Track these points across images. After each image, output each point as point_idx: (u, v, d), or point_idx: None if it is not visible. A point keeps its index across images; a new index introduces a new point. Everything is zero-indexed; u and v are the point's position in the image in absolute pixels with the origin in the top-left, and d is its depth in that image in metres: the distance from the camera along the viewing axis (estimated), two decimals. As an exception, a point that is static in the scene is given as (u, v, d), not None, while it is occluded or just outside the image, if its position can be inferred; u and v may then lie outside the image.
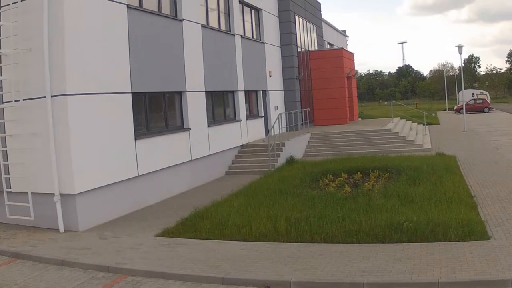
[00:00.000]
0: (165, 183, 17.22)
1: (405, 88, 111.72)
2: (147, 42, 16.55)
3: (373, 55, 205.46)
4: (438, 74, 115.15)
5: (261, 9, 27.30)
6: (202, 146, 19.93)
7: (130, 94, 15.53)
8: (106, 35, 14.58)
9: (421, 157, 21.28)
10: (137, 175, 15.75)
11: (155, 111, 17.78)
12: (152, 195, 16.43)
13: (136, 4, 16.38)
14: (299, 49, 31.38)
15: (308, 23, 34.19)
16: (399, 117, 36.43)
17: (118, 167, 14.88)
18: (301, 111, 28.65)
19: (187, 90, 18.90)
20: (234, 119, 23.49)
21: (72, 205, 13.36)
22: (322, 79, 33.38)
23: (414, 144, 26.16)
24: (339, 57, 33.73)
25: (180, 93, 18.80)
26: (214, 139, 20.82)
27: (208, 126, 20.47)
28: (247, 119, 24.43)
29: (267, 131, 27.25)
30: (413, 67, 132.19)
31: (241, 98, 23.83)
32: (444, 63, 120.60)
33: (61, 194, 13.32)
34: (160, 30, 17.46)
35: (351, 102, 36.22)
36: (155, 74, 16.98)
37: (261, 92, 26.80)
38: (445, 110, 64.73)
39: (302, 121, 28.42)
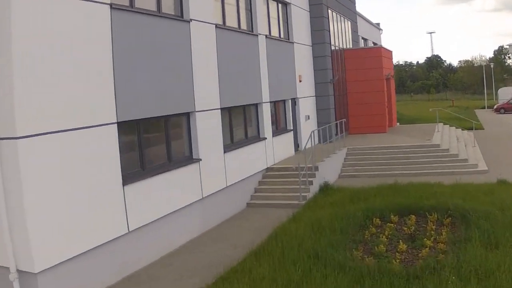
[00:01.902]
0: (167, 234, 13.25)
1: (437, 81, 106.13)
2: (139, 52, 12.51)
3: (398, 45, 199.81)
4: (467, 65, 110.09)
5: (290, 3, 23.03)
6: (216, 178, 15.88)
7: (115, 125, 11.49)
8: (80, 46, 10.52)
9: (482, 188, 17.36)
10: (126, 231, 11.77)
11: (153, 142, 13.69)
12: (148, 253, 12.49)
13: (125, 3, 12.29)
14: (332, 48, 27.04)
15: (342, 17, 29.79)
16: (442, 123, 31.69)
17: (99, 226, 10.89)
18: (337, 123, 24.21)
19: (197, 110, 14.83)
20: (258, 137, 19.35)
21: (34, 286, 9.42)
22: (358, 81, 29.07)
23: (468, 165, 21.88)
24: (377, 57, 29.33)
25: (187, 115, 14.73)
26: (232, 166, 16.75)
27: (224, 152, 16.39)
28: (273, 136, 20.28)
29: (296, 145, 23.12)
30: (441, 57, 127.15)
31: (265, 111, 19.66)
32: (478, 56, 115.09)
33: (19, 271, 9.42)
34: (159, 35, 13.38)
35: (390, 106, 31.81)
36: (152, 93, 12.93)
37: (290, 101, 22.60)
38: (483, 108, 59.43)
39: (337, 131, 24.13)
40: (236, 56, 17.48)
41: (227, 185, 16.48)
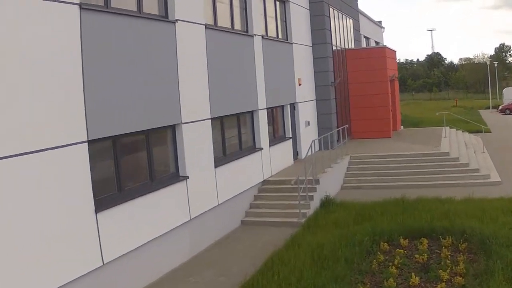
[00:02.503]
0: (149, 263, 11.68)
1: (438, 79, 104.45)
2: (115, 59, 10.90)
3: (398, 43, 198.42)
4: (469, 63, 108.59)
5: (288, 1, 21.41)
6: (206, 196, 14.29)
7: (86, 144, 9.86)
8: (41, 54, 8.89)
9: (498, 204, 15.76)
10: (101, 264, 10.16)
11: (132, 161, 12.09)
12: (127, 286, 10.86)
13: (99, 2, 10.68)
14: (333, 48, 25.41)
15: (343, 16, 28.15)
16: (448, 126, 29.97)
17: (67, 262, 9.28)
18: (339, 129, 22.58)
19: (183, 121, 13.21)
20: (253, 148, 17.75)
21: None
22: (361, 83, 27.49)
23: (479, 175, 20.27)
24: (381, 57, 27.71)
25: (172, 128, 13.11)
26: (224, 182, 15.15)
27: (215, 166, 14.77)
28: (270, 145, 18.67)
29: (296, 153, 21.52)
30: (442, 54, 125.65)
31: (262, 119, 18.05)
32: (480, 55, 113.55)
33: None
34: (139, 38, 11.77)
35: (394, 109, 30.19)
36: (130, 105, 11.33)
37: (288, 106, 20.98)
38: (488, 108, 57.71)
39: (339, 137, 22.52)
40: (229, 59, 15.88)
41: (219, 202, 14.90)
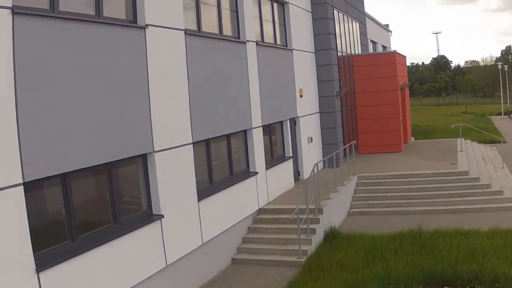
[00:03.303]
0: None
1: (446, 84, 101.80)
2: (65, 76, 8.52)
3: (403, 47, 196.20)
4: (476, 66, 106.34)
5: (287, 2, 19.00)
6: (188, 236, 11.92)
7: (22, 186, 7.50)
8: None
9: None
10: None
11: (89, 202, 9.68)
12: None
13: (43, 5, 8.30)
14: (339, 54, 23.00)
15: (349, 19, 25.72)
16: (462, 138, 27.39)
17: None
18: (345, 147, 20.10)
19: (156, 149, 10.80)
20: (247, 173, 15.35)
21: None
22: (368, 92, 25.06)
23: (503, 199, 17.79)
24: (391, 64, 25.25)
25: (142, 158, 10.69)
26: (211, 216, 12.78)
27: (199, 199, 12.37)
28: (267, 168, 16.26)
29: (297, 173, 19.15)
30: (447, 57, 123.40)
31: (257, 138, 15.65)
32: (488, 58, 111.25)
33: None
34: (98, 49, 9.38)
35: (405, 120, 27.73)
36: (84, 134, 8.91)
37: (288, 121, 18.56)
38: (499, 114, 54.98)
39: (345, 153, 20.11)
40: (215, 70, 13.50)
41: (204, 241, 12.50)
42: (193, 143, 12.13)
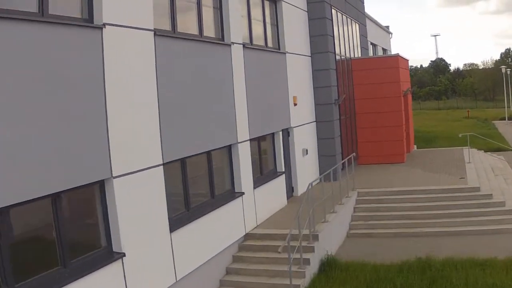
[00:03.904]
0: None
1: (445, 87, 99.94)
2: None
3: (400, 48, 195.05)
4: (475, 69, 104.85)
5: (280, 0, 17.09)
6: (157, 274, 9.97)
7: None
8: None
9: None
10: None
11: (27, 238, 7.71)
12: None
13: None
14: (337, 57, 21.10)
15: (349, 19, 23.82)
16: (468, 146, 25.42)
17: None
18: (344, 162, 18.15)
19: (116, 174, 8.85)
20: (232, 194, 13.43)
21: None
22: (369, 99, 23.16)
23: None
24: (394, 68, 23.34)
25: (99, 185, 8.74)
26: (187, 248, 10.88)
27: (172, 230, 10.44)
28: (255, 187, 14.34)
29: (290, 189, 17.28)
30: (446, 60, 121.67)
31: (243, 154, 13.74)
32: (490, 60, 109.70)
33: None
34: (43, 52, 7.44)
35: (408, 128, 25.85)
36: (23, 160, 6.98)
37: (281, 133, 16.64)
38: (503, 119, 52.98)
39: (345, 165, 18.22)
40: (194, 77, 11.58)
41: (178, 279, 10.59)
42: (164, 164, 10.21)
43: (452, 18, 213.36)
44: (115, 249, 8.96)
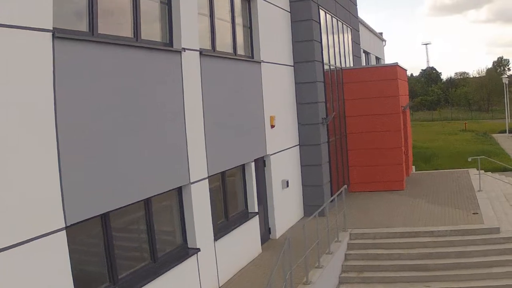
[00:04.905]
0: None
1: (438, 97, 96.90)
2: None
3: (392, 56, 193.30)
4: (465, 78, 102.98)
5: (255, -5, 13.74)
6: None
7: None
8: None
9: None
10: None
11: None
12: None
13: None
14: (325, 67, 17.73)
15: (340, 23, 20.47)
16: (479, 171, 22.07)
17: None
18: (334, 197, 14.62)
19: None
20: (183, 251, 9.92)
21: None
22: (362, 116, 19.83)
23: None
24: (392, 80, 19.96)
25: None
26: None
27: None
28: (216, 238, 10.86)
29: (266, 231, 13.89)
30: (436, 69, 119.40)
31: (198, 197, 10.26)
32: (484, 69, 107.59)
33: None
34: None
35: (407, 149, 22.51)
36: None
37: (253, 164, 13.13)
38: (503, 132, 49.65)
39: (332, 193, 14.85)
40: (122, 97, 8.13)
41: None
42: (67, 227, 6.75)
43: (443, 27, 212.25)
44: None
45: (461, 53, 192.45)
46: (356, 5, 24.38)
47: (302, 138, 16.46)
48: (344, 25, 21.14)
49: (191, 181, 9.96)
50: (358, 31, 24.28)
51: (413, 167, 25.98)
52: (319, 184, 16.40)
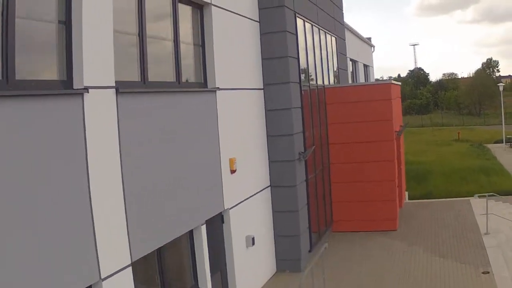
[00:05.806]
0: None
1: (427, 100, 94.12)
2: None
3: (378, 58, 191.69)
4: (456, 78, 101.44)
5: (209, 3, 10.49)
6: None
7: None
8: None
9: None
10: None
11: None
12: None
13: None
14: (304, 87, 14.62)
15: (322, 32, 17.34)
16: (487, 213, 18.81)
17: None
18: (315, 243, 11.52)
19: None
20: None
21: None
22: (349, 144, 16.79)
23: None
24: (384, 101, 16.89)
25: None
26: None
27: None
28: None
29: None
30: (424, 70, 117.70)
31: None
32: (475, 71, 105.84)
33: None
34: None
35: (400, 179, 19.43)
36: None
37: (203, 227, 9.92)
38: (499, 142, 46.43)
39: (312, 244, 11.73)
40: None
41: None
42: None
43: (430, 27, 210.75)
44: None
45: (449, 54, 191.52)
46: (342, 10, 21.28)
47: (274, 178, 13.33)
48: (327, 34, 18.01)
49: (103, 276, 6.80)
50: (344, 40, 21.17)
51: (406, 193, 22.91)
52: (295, 234, 13.31)
